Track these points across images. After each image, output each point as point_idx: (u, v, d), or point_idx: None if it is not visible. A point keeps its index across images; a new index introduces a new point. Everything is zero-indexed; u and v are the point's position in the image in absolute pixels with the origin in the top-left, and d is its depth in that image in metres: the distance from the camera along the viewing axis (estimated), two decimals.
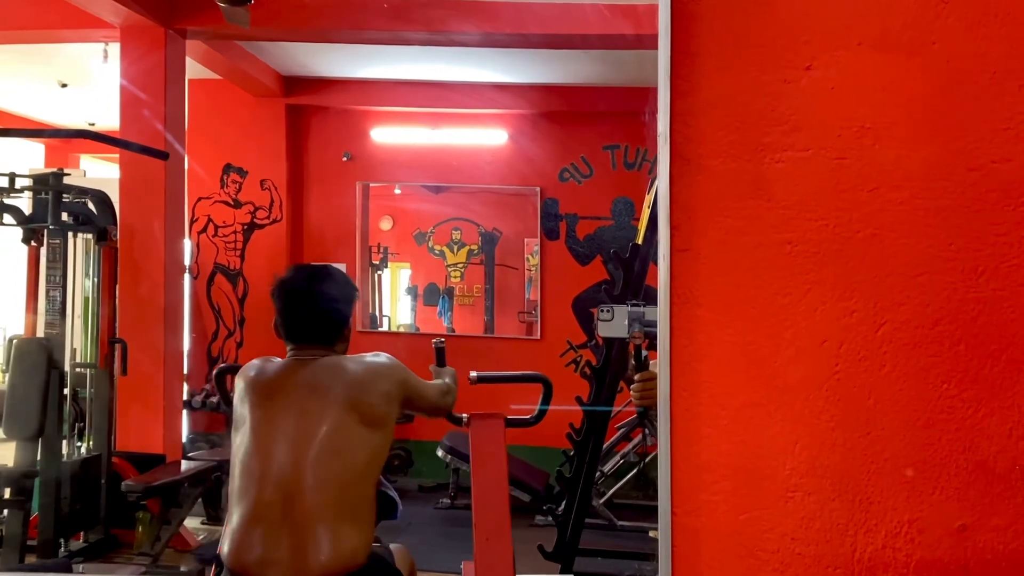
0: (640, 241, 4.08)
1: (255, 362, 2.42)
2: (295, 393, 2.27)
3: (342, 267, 7.39)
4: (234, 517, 2.20)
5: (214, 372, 3.15)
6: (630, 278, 4.02)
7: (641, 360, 2.38)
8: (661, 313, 1.36)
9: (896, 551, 1.34)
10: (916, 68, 1.36)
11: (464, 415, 2.94)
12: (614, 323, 2.38)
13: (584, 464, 4.15)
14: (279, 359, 2.43)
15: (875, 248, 1.36)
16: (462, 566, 2.88)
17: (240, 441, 2.26)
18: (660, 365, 1.37)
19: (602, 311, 2.40)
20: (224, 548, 2.19)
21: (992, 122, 1.31)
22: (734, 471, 1.38)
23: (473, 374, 2.93)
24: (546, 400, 3.01)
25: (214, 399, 7.14)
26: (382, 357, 2.40)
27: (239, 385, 2.37)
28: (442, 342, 2.88)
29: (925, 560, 1.33)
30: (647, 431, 6.05)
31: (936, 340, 1.34)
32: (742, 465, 1.38)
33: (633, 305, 2.36)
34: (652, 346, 3.91)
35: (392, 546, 2.65)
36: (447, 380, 2.74)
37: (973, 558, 1.31)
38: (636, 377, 2.34)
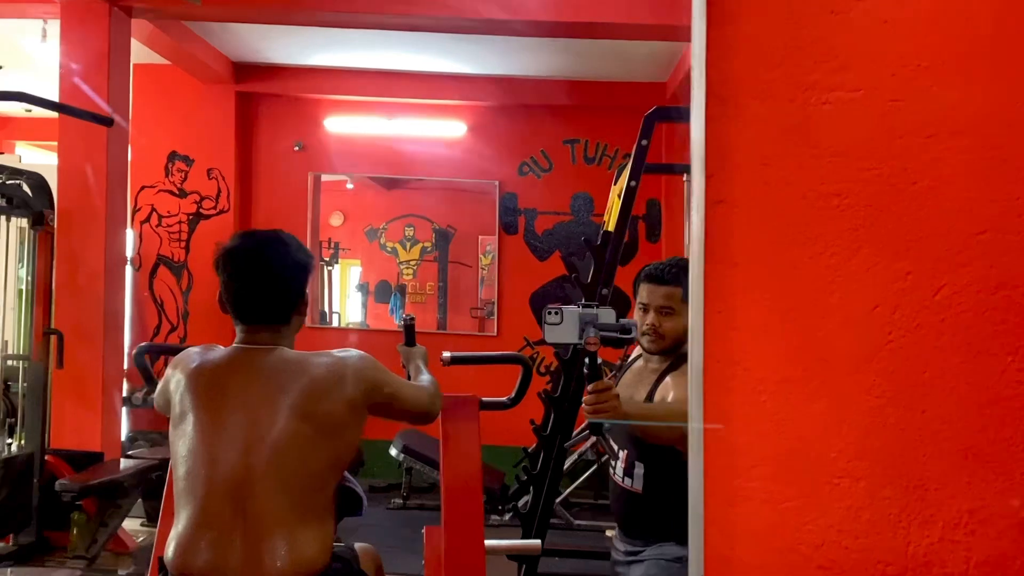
0: (612, 228, 3.93)
1: (194, 351, 2.17)
2: (244, 392, 2.03)
3: None
4: (180, 521, 1.98)
5: (134, 352, 2.84)
6: (601, 266, 3.86)
7: (596, 368, 2.15)
8: (694, 275, 1.19)
9: (955, 544, 1.18)
10: None
11: None
12: (563, 327, 2.12)
13: (551, 460, 3.98)
14: (222, 347, 2.17)
15: (933, 202, 1.20)
16: (424, 531, 2.72)
17: (183, 440, 2.02)
18: (692, 334, 1.20)
19: (549, 313, 2.13)
20: (168, 552, 1.98)
21: None
22: (773, 455, 1.21)
23: (446, 355, 2.72)
24: (524, 384, 2.81)
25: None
26: (351, 355, 2.14)
27: (176, 377, 2.12)
28: (411, 318, 2.68)
29: (987, 555, 1.17)
30: (600, 442, 5.87)
31: (1000, 306, 1.18)
32: (782, 448, 1.21)
33: (585, 306, 2.13)
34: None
35: (357, 546, 2.46)
36: (426, 383, 2.41)
37: None
38: (589, 387, 2.12)
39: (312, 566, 1.98)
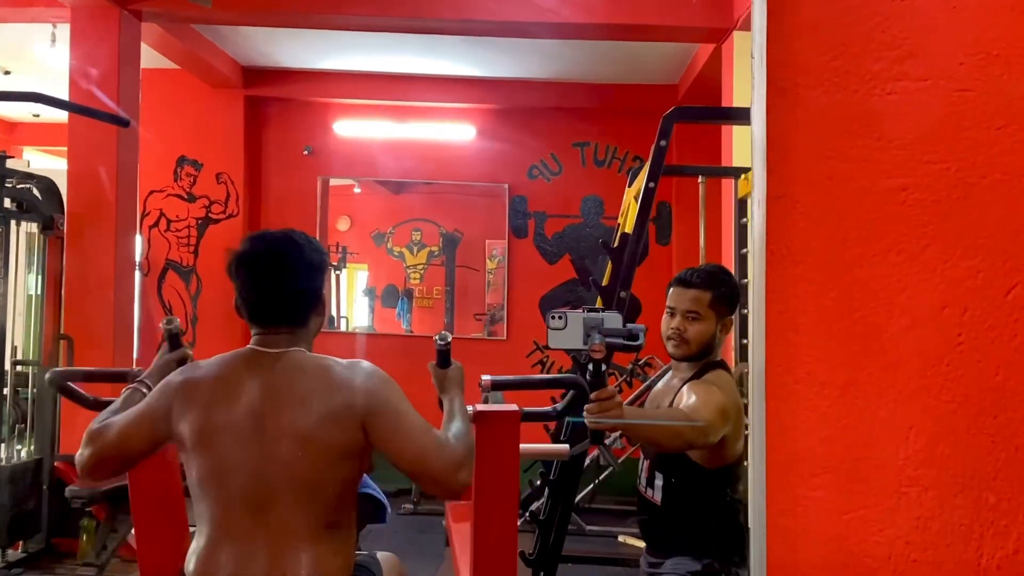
0: (629, 230, 3.87)
1: (189, 367, 2.04)
2: (257, 402, 1.92)
3: None
4: (200, 535, 1.94)
5: (48, 377, 2.54)
6: (618, 269, 3.80)
7: (600, 375, 2.04)
8: (755, 273, 1.13)
9: None
10: None
11: (469, 407, 2.29)
12: (567, 332, 2.03)
13: (571, 465, 3.92)
14: (212, 361, 2.03)
15: (1003, 197, 1.14)
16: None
17: (198, 456, 1.93)
18: (752, 335, 1.15)
19: (553, 318, 2.05)
20: (190, 566, 1.93)
21: None
22: (837, 462, 1.16)
23: (485, 378, 2.44)
24: (576, 401, 2.54)
25: None
26: (356, 371, 1.98)
27: (178, 397, 1.96)
28: (446, 341, 2.26)
29: None
30: (601, 451, 5.76)
31: None
32: (846, 455, 1.16)
33: (590, 310, 2.06)
34: (610, 358, 3.61)
35: (380, 555, 2.40)
36: (455, 442, 1.97)
37: None
38: (592, 395, 2.04)
39: None
